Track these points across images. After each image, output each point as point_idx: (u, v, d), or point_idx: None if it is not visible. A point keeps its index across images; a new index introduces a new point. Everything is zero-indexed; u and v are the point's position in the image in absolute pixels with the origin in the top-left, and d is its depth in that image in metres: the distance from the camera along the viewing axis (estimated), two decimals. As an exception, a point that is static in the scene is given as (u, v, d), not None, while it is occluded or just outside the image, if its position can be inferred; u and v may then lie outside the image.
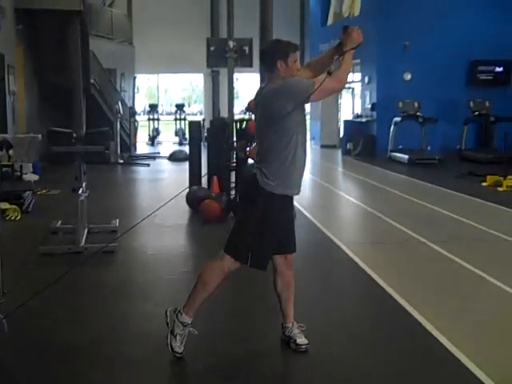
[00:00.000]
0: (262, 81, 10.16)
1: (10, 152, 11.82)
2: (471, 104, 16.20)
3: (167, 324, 3.77)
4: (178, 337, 3.71)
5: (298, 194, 3.76)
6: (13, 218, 8.07)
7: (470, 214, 8.48)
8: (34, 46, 15.85)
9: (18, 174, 11.61)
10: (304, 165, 3.75)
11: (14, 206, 8.21)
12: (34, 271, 5.79)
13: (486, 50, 16.80)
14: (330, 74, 3.58)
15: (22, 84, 14.78)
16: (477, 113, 16.24)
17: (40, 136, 12.39)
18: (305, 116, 3.77)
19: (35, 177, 11.56)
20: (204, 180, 9.24)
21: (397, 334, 4.27)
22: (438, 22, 16.79)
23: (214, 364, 3.75)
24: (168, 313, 3.79)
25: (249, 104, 9.29)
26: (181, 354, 3.71)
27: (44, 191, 10.49)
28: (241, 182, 7.85)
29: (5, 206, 7.82)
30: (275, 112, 3.55)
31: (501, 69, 17.54)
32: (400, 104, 16.22)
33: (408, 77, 17.37)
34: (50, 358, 3.78)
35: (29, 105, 15.45)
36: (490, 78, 17.51)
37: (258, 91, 3.86)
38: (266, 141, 3.65)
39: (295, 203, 8.83)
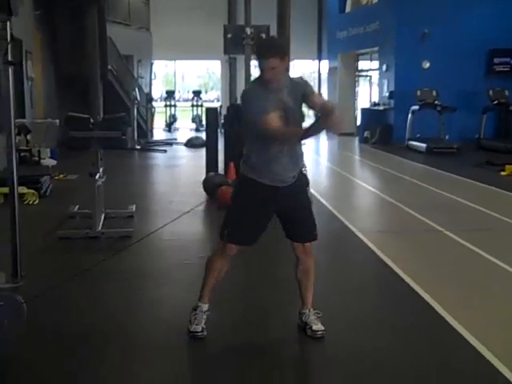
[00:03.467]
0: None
1: (28, 137, 11.91)
2: (490, 93, 16.03)
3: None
4: (192, 319, 3.84)
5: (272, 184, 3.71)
6: (30, 203, 8.13)
7: (488, 203, 8.40)
8: (52, 31, 15.89)
9: (36, 158, 11.68)
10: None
11: (31, 191, 8.26)
12: (51, 255, 5.84)
13: (506, 40, 16.60)
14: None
15: (39, 70, 14.83)
16: (496, 102, 16.06)
17: (58, 121, 12.46)
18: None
19: (53, 162, 11.62)
20: (221, 166, 9.25)
21: (413, 320, 4.25)
22: (458, 11, 16.59)
23: (228, 350, 3.77)
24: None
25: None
26: (194, 332, 3.79)
27: (61, 176, 10.55)
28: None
29: (23, 190, 7.86)
30: None
31: (521, 58, 17.35)
32: (418, 92, 16.08)
33: (427, 65, 17.20)
34: (66, 345, 3.79)
35: (46, 90, 15.51)
36: (509, 67, 17.31)
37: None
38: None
39: (312, 190, 8.80)
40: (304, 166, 3.89)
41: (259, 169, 3.69)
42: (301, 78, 3.78)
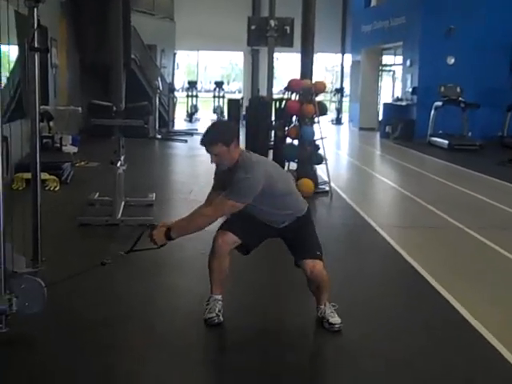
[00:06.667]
0: (303, 61, 10.04)
1: (51, 124, 11.97)
2: (515, 90, 15.87)
3: None
4: (205, 308, 3.95)
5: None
6: (52, 189, 8.19)
7: (510, 201, 8.33)
8: (77, 19, 15.96)
9: (58, 145, 11.74)
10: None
11: (53, 177, 8.33)
12: (71, 240, 5.90)
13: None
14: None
15: (64, 57, 14.91)
16: (521, 99, 15.91)
17: (80, 109, 12.51)
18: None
19: (74, 149, 11.69)
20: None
21: (428, 316, 4.24)
22: (484, 6, 16.42)
23: (245, 341, 3.78)
24: None
25: (288, 84, 9.25)
26: (208, 319, 3.88)
27: (83, 163, 10.62)
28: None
29: (44, 176, 7.93)
30: None
31: (547, 55, 17.12)
32: (442, 88, 15.95)
33: (451, 61, 17.05)
34: (81, 333, 3.81)
35: (70, 78, 15.59)
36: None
37: None
38: None
39: (332, 184, 8.77)
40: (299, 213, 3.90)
41: None
42: (245, 169, 3.71)
